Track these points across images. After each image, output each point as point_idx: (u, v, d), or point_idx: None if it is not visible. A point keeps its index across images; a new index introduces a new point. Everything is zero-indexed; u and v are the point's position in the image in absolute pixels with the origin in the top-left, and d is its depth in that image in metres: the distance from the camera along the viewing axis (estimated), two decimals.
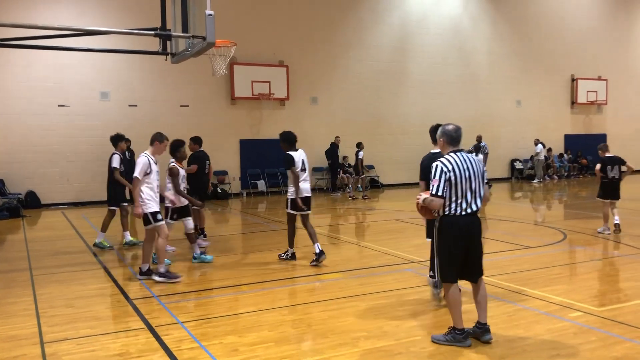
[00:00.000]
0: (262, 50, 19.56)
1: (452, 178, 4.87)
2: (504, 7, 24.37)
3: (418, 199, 5.13)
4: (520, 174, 24.60)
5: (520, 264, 8.18)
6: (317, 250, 8.31)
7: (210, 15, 7.62)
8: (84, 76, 17.31)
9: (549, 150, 24.92)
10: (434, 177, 4.88)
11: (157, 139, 7.91)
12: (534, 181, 23.39)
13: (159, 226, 7.51)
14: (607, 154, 11.29)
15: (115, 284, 7.47)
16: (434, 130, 6.04)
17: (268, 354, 4.84)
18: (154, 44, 9.40)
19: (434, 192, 4.88)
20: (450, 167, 4.87)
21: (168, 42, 9.00)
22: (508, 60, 24.54)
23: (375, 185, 21.35)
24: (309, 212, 8.62)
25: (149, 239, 7.66)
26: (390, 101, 22.03)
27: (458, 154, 4.98)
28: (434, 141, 5.95)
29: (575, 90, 25.99)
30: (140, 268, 7.71)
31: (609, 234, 10.55)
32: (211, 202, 17.78)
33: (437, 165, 4.90)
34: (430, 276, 6.29)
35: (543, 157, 23.94)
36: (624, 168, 11.20)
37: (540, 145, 23.50)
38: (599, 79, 26.57)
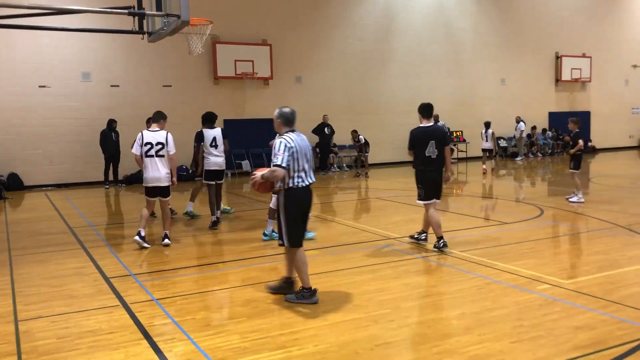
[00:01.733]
0: (245, 28, 19.42)
1: (294, 153, 5.48)
2: None
3: (254, 176, 5.65)
4: (505, 152, 24.77)
5: (494, 239, 8.32)
6: (214, 219, 9.78)
7: None
8: (64, 57, 17.13)
9: (533, 128, 25.08)
10: (279, 151, 5.43)
11: (163, 116, 8.81)
12: (517, 159, 23.57)
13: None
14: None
15: (93, 262, 7.52)
16: (423, 107, 7.61)
17: (239, 328, 4.94)
18: (132, 23, 9.35)
19: (278, 163, 5.39)
20: (292, 144, 5.48)
21: (144, 21, 8.97)
22: (492, 39, 24.54)
23: (361, 164, 21.41)
24: (221, 182, 10.06)
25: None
26: (376, 80, 22.01)
27: (294, 133, 5.63)
28: (425, 117, 7.60)
29: (560, 67, 26.09)
30: (140, 232, 8.29)
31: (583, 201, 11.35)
32: (194, 182, 17.78)
33: (281, 142, 5.48)
34: (280, 244, 5.96)
35: (525, 135, 24.08)
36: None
37: (522, 124, 23.64)
38: (583, 56, 26.67)
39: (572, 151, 11.73)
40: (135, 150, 8.44)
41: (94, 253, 8.08)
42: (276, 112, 5.74)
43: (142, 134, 8.46)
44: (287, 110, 5.72)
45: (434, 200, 7.74)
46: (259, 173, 5.60)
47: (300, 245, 5.64)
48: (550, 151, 25.67)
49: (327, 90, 21.01)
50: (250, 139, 19.44)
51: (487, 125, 21.02)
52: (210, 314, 5.35)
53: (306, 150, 5.63)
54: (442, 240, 7.63)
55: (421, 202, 7.83)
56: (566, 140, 25.75)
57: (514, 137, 24.37)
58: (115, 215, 12.78)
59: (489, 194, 14.41)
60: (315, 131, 19.69)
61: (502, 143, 24.87)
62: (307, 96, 20.60)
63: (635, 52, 28.49)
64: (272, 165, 5.47)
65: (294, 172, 5.50)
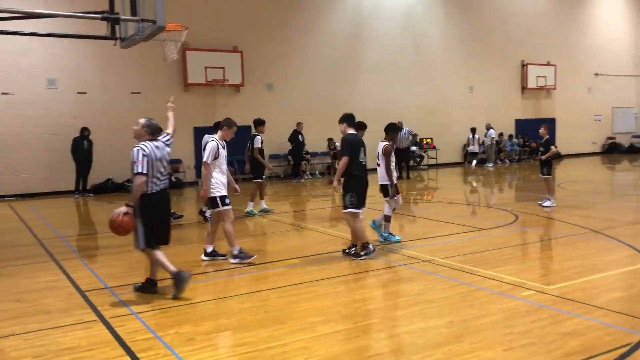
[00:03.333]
0: (216, 35, 19.22)
1: (150, 161, 5.88)
2: None
3: (113, 215, 5.85)
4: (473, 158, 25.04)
5: (473, 246, 8.34)
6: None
7: None
8: (29, 62, 16.63)
9: (500, 134, 25.47)
10: (137, 159, 5.83)
11: (227, 124, 7.92)
12: (488, 165, 23.88)
13: (226, 210, 7.59)
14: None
15: (66, 276, 7.24)
16: (349, 117, 7.96)
17: (225, 342, 4.80)
18: (103, 28, 9.10)
19: (139, 171, 5.78)
20: (148, 151, 5.90)
21: (117, 27, 8.74)
22: (461, 47, 24.87)
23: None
24: None
25: (215, 221, 7.85)
26: (346, 87, 22.04)
27: (153, 142, 6.04)
28: (351, 125, 7.94)
29: (526, 75, 26.59)
30: (204, 249, 7.85)
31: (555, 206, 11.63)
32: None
33: (137, 150, 5.87)
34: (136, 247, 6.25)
35: (494, 142, 24.43)
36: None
37: (492, 130, 23.99)
38: (548, 64, 27.25)
39: (544, 157, 11.91)
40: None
41: (66, 266, 7.79)
42: (143, 121, 6.14)
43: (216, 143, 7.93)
44: (154, 122, 6.20)
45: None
46: (122, 209, 5.82)
47: (155, 245, 6.08)
48: (517, 157, 26.09)
49: (299, 97, 20.93)
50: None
51: (473, 130, 22.67)
52: (194, 328, 5.17)
53: (161, 157, 6.05)
54: (354, 248, 7.71)
55: (354, 211, 7.63)
56: (533, 147, 26.29)
57: (483, 143, 24.67)
58: (86, 225, 12.42)
59: (462, 200, 14.52)
60: (290, 139, 19.59)
61: (472, 149, 25.14)
62: (278, 103, 20.48)
63: (598, 61, 29.27)
64: (133, 175, 5.83)
65: (150, 177, 5.91)
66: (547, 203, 11.82)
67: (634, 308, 5.41)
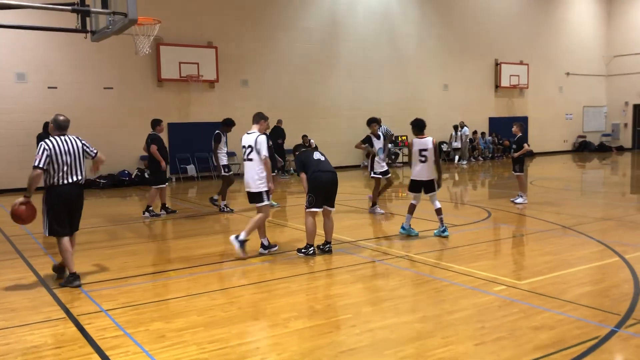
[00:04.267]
0: (190, 30, 19.02)
1: (53, 155, 6.22)
2: None
3: (13, 206, 6.37)
4: (447, 156, 25.28)
5: (447, 242, 8.39)
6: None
7: None
8: None
9: (474, 132, 25.72)
10: (37, 153, 6.20)
11: (263, 117, 8.00)
12: (462, 162, 24.09)
13: (267, 205, 7.75)
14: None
15: (35, 273, 7.08)
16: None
17: (196, 339, 4.72)
18: (73, 21, 8.92)
19: (35, 164, 6.17)
20: (51, 146, 6.24)
21: (87, 19, 8.58)
22: (435, 45, 25.03)
23: None
24: None
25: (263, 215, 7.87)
26: (322, 84, 22.01)
27: (61, 137, 6.39)
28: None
29: (499, 74, 26.90)
30: (261, 242, 7.90)
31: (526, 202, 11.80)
32: (139, 188, 17.25)
33: (41, 145, 6.23)
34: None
35: (467, 140, 24.66)
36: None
37: (466, 128, 24.23)
38: (521, 63, 27.60)
39: (516, 154, 12.04)
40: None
41: (34, 263, 7.61)
42: (53, 117, 6.56)
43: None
44: (61, 118, 6.52)
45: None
46: (17, 200, 6.38)
47: (61, 235, 6.43)
48: (490, 155, 26.39)
49: (274, 93, 20.82)
50: (195, 142, 19.01)
51: (456, 128, 23.53)
52: (164, 325, 5.09)
53: (69, 151, 6.36)
54: (312, 248, 7.67)
55: (314, 210, 7.62)
56: (506, 145, 26.58)
57: (456, 141, 24.91)
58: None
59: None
60: (272, 135, 19.39)
61: (445, 147, 25.38)
62: (253, 99, 20.33)
63: (569, 61, 29.76)
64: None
65: (54, 171, 6.27)
66: (519, 200, 11.96)
67: (602, 302, 5.49)
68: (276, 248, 7.95)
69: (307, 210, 7.62)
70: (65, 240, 6.48)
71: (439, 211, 8.74)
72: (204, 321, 5.16)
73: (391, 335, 4.77)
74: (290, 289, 6.16)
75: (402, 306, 5.55)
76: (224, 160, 11.75)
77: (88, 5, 8.01)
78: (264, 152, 7.52)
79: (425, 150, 8.63)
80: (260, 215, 7.70)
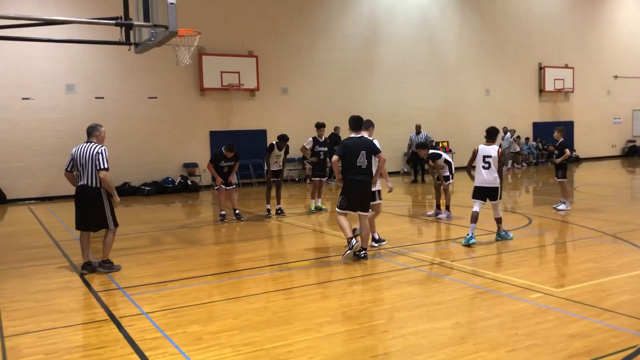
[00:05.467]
0: (231, 40, 19.40)
1: (75, 159, 7.37)
2: None
3: None
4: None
5: (485, 249, 8.32)
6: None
7: (172, 4, 7.56)
8: (48, 68, 16.96)
9: (518, 137, 25.26)
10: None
11: (372, 124, 8.46)
12: (505, 168, 23.72)
13: (379, 203, 8.33)
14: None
15: (80, 276, 7.38)
16: (351, 120, 7.90)
17: (232, 341, 4.85)
18: (118, 33, 9.27)
19: (65, 167, 7.52)
20: (74, 152, 7.37)
21: (131, 32, 8.89)
22: (476, 50, 24.76)
23: None
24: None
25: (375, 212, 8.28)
26: (361, 91, 22.06)
27: (85, 144, 7.37)
28: (353, 128, 7.85)
29: (543, 78, 26.36)
30: (372, 237, 8.40)
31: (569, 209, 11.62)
32: (182, 195, 17.66)
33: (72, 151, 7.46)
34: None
35: (510, 145, 24.24)
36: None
37: (509, 134, 23.84)
38: (566, 67, 26.99)
39: (558, 160, 11.82)
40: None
41: (80, 267, 7.92)
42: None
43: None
44: (88, 126, 7.53)
45: (357, 211, 7.73)
46: None
47: (77, 229, 7.58)
48: (535, 161, 25.87)
49: (313, 101, 20.99)
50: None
51: (506, 131, 23.46)
52: (201, 327, 5.25)
53: (80, 156, 7.27)
54: (352, 239, 7.67)
55: (339, 211, 7.76)
56: (550, 150, 26.03)
57: (500, 146, 24.50)
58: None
59: None
60: (330, 142, 19.29)
61: None
62: (293, 107, 20.59)
63: (616, 63, 28.90)
64: None
65: (77, 174, 7.40)
66: (561, 206, 11.72)
67: None
68: (384, 242, 8.61)
69: (338, 210, 7.78)
70: (83, 234, 7.55)
71: (498, 220, 8.83)
72: (239, 324, 5.29)
73: (423, 340, 4.79)
74: (324, 294, 6.24)
75: (436, 312, 5.55)
76: (274, 167, 12.21)
77: (131, 19, 8.31)
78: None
79: (489, 156, 8.77)
80: (373, 212, 8.16)
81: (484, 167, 8.74)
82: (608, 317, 5.20)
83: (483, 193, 8.78)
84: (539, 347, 4.55)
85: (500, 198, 8.82)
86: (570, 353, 4.41)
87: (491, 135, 9.03)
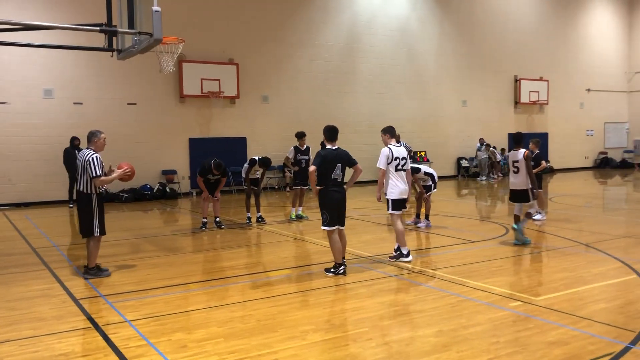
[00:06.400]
0: (212, 47, 19.40)
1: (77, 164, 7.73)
2: (451, 8, 24.95)
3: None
4: (466, 172, 25.25)
5: (464, 258, 8.45)
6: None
7: (157, 11, 7.57)
8: (26, 73, 16.74)
9: (494, 148, 25.66)
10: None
11: (390, 131, 8.37)
12: (482, 179, 24.05)
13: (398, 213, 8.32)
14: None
15: (60, 284, 7.31)
16: (326, 130, 7.78)
17: (217, 349, 4.87)
18: (100, 40, 9.23)
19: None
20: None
21: (114, 39, 8.87)
22: (454, 61, 25.14)
23: None
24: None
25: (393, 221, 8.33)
26: (340, 100, 22.21)
27: (82, 150, 7.68)
28: (328, 139, 7.73)
29: (519, 90, 26.87)
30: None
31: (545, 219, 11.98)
32: (159, 202, 17.55)
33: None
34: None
35: (486, 156, 24.62)
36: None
37: (480, 144, 24.25)
38: (541, 79, 27.54)
39: (534, 171, 12.03)
40: (381, 164, 8.16)
41: (60, 274, 7.85)
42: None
43: (390, 150, 8.11)
44: (91, 131, 7.72)
45: (337, 226, 7.48)
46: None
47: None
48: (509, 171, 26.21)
49: (293, 109, 21.07)
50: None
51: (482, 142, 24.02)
52: (185, 335, 5.25)
53: (79, 163, 7.48)
54: (342, 268, 7.49)
55: (326, 229, 7.48)
56: None
57: (476, 157, 24.90)
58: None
59: (454, 213, 14.62)
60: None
61: (464, 163, 25.37)
62: (273, 115, 20.64)
63: (589, 77, 29.61)
64: None
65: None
66: (537, 217, 11.96)
67: (617, 319, 5.52)
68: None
69: (327, 229, 7.47)
70: (87, 240, 7.69)
71: (528, 215, 9.63)
72: (224, 332, 5.31)
73: (406, 348, 4.87)
74: (308, 302, 6.29)
75: (418, 320, 5.64)
76: (252, 175, 12.36)
77: (115, 26, 8.31)
78: (380, 164, 8.16)
79: (516, 161, 9.45)
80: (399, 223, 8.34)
81: (513, 172, 9.50)
82: (585, 324, 5.35)
83: (516, 196, 9.57)
84: (520, 354, 4.66)
85: (535, 198, 9.50)
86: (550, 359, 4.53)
87: (517, 141, 9.66)
